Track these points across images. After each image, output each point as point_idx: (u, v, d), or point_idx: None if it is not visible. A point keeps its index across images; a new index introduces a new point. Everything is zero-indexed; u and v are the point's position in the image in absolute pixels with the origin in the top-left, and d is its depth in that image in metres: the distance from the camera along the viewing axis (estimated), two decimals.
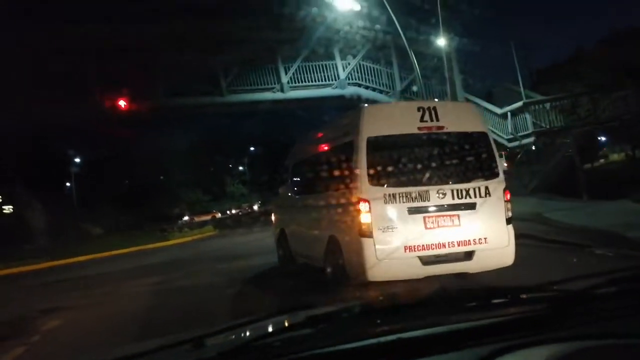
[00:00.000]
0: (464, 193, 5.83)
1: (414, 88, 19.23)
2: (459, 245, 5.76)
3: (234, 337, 1.58)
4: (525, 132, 16.93)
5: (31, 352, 5.51)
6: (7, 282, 13.99)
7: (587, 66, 19.92)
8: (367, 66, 21.25)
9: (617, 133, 20.92)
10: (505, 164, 22.09)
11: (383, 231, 5.61)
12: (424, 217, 5.71)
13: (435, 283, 5.64)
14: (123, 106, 19.83)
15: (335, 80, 21.10)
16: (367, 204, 5.64)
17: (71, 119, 21.11)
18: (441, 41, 14.56)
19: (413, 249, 5.63)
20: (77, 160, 38.40)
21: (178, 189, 49.90)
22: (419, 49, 17.68)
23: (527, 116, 16.74)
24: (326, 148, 7.32)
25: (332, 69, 21.18)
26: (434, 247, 5.69)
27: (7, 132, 19.87)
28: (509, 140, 17.67)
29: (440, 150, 6.12)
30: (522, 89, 18.20)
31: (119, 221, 36.22)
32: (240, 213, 54.09)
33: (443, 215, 5.76)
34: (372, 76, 21.21)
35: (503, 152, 20.43)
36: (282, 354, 1.27)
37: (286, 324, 1.61)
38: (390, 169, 5.95)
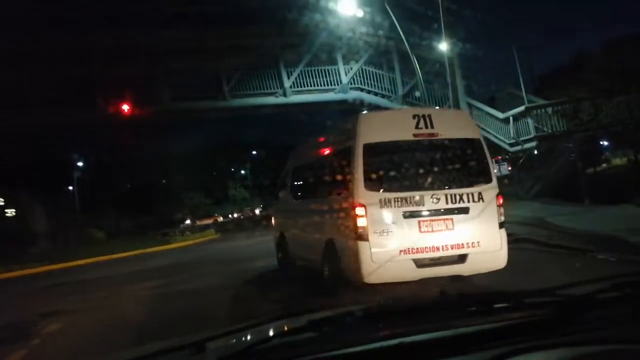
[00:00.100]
0: (457, 198, 5.94)
1: (417, 93, 19.23)
2: (452, 248, 5.87)
3: (234, 341, 1.57)
4: (528, 137, 16.89)
5: (31, 355, 5.53)
6: (8, 286, 14.00)
7: (589, 71, 19.89)
8: (369, 71, 21.24)
9: (620, 138, 20.85)
10: (509, 168, 22.14)
11: (379, 235, 5.72)
12: (419, 221, 5.83)
13: (435, 287, 5.64)
14: (126, 110, 19.91)
15: (338, 85, 21.09)
16: (363, 208, 5.74)
17: (75, 123, 21.23)
18: (444, 46, 14.57)
19: (408, 252, 5.73)
20: (80, 164, 38.52)
21: (180, 193, 49.94)
22: (422, 54, 17.73)
23: (529, 121, 16.71)
24: (324, 154, 7.47)
25: (334, 73, 21.17)
26: (428, 250, 5.80)
27: (11, 136, 19.98)
28: (511, 145, 17.64)
29: (435, 156, 6.22)
30: (524, 93, 18.20)
31: (121, 225, 36.31)
32: (242, 217, 54.16)
33: (437, 220, 5.87)
34: (374, 81, 21.20)
35: (506, 156, 20.49)
36: (284, 358, 1.27)
37: (287, 328, 1.60)
38: (386, 174, 6.03)
